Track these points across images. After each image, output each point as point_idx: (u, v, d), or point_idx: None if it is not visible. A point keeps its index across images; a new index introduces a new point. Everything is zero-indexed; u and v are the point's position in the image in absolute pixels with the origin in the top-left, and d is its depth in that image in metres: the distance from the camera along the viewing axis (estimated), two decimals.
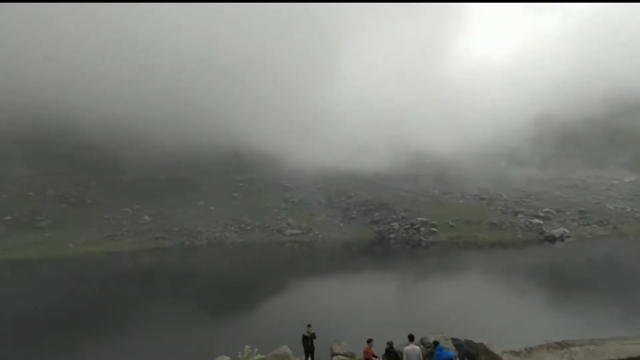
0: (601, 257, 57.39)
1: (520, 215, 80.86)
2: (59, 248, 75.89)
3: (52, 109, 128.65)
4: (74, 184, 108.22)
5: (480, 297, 36.37)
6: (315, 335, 18.07)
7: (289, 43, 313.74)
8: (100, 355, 24.90)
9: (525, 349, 20.70)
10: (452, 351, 15.81)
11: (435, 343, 14.51)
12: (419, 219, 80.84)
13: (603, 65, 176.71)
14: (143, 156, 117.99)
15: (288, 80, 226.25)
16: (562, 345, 20.63)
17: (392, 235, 78.63)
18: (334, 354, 19.54)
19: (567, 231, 72.22)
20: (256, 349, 19.65)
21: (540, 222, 76.79)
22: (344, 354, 19.51)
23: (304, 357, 18.35)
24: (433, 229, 77.16)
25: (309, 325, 18.27)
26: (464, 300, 35.01)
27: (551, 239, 69.66)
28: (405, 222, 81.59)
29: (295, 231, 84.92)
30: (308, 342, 17.93)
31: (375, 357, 15.92)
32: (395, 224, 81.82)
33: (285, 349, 20.40)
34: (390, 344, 15.21)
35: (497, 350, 18.42)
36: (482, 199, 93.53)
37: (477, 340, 18.51)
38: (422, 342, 17.81)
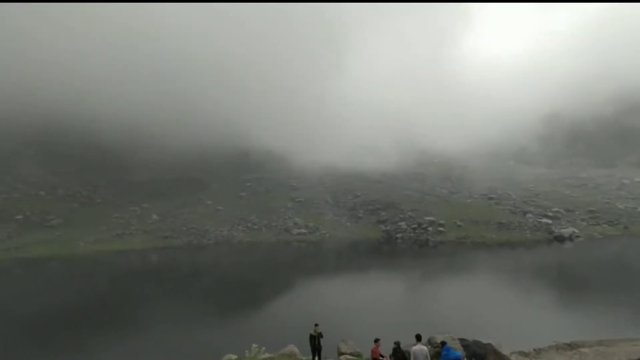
0: (611, 257, 56.70)
1: (529, 215, 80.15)
2: (69, 246, 76.90)
3: (62, 111, 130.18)
4: (83, 184, 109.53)
5: (488, 297, 36.16)
6: (323, 335, 18.10)
7: (297, 43, 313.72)
8: (110, 352, 25.19)
9: (534, 349, 20.61)
10: (460, 351, 15.75)
11: (443, 343, 14.48)
12: (426, 218, 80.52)
13: (612, 63, 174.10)
14: (152, 156, 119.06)
15: (295, 80, 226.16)
16: (571, 346, 20.49)
17: (399, 235, 78.40)
18: (341, 353, 19.58)
19: (576, 231, 71.42)
20: (263, 348, 19.81)
21: (549, 221, 76.03)
22: (351, 354, 19.55)
23: (311, 357, 18.40)
24: (440, 229, 76.80)
25: (316, 325, 18.31)
26: (472, 301, 34.83)
27: (560, 239, 68.94)
28: (413, 221, 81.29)
29: (302, 230, 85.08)
30: (315, 342, 17.96)
31: (382, 356, 15.93)
32: (403, 224, 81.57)
33: (292, 348, 20.50)
34: (397, 344, 15.20)
35: (505, 351, 18.34)
36: (490, 198, 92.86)
37: (485, 341, 18.42)
38: (430, 342, 17.78)
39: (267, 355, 19.49)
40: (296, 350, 20.38)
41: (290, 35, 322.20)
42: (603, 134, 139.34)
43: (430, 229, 77.50)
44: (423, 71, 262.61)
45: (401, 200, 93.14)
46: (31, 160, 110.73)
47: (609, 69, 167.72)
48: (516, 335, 23.38)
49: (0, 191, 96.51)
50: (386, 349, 15.98)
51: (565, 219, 78.51)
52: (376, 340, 16.07)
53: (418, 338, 14.02)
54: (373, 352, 15.95)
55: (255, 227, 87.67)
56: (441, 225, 77.74)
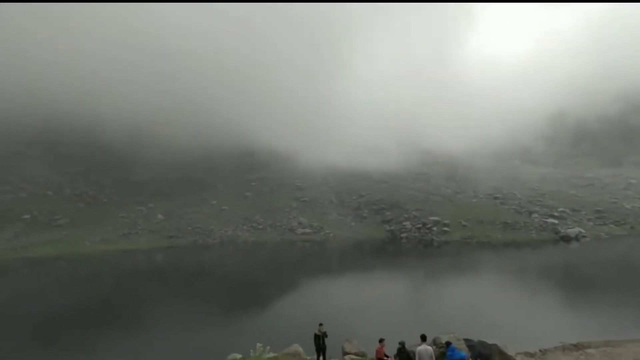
0: (618, 257, 56.26)
1: (534, 215, 79.69)
2: (75, 246, 77.52)
3: (67, 111, 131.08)
4: (90, 184, 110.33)
5: (493, 298, 36.02)
6: (327, 334, 18.11)
7: (301, 43, 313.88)
8: (115, 351, 25.37)
9: (540, 350, 20.52)
10: (465, 352, 15.71)
11: (448, 343, 14.44)
12: (431, 218, 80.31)
13: (617, 62, 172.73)
14: (157, 156, 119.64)
15: (299, 79, 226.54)
16: (577, 347, 20.38)
17: (403, 235, 78.25)
18: (345, 353, 19.60)
19: (583, 231, 70.92)
20: (268, 347, 19.84)
21: (555, 221, 75.56)
22: (355, 353, 19.56)
23: (315, 356, 18.42)
24: (445, 229, 76.56)
25: (320, 324, 18.33)
26: (477, 301, 34.71)
27: (566, 239, 68.50)
28: (417, 221, 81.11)
29: (307, 230, 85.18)
30: (320, 341, 17.98)
31: (387, 356, 15.93)
32: (407, 224, 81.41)
33: (296, 347, 20.55)
34: (402, 344, 15.20)
35: (511, 352, 18.29)
36: (496, 198, 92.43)
37: (490, 341, 18.37)
38: (435, 343, 17.74)
39: (271, 354, 19.53)
40: (300, 349, 20.41)
41: (294, 35, 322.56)
42: (608, 133, 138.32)
43: (435, 228, 77.28)
44: (427, 71, 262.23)
45: (406, 200, 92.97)
46: (38, 160, 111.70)
47: (614, 68, 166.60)
48: (522, 335, 23.29)
49: (8, 191, 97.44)
50: (391, 349, 15.99)
51: (572, 218, 77.99)
52: (381, 340, 16.08)
53: (423, 338, 14.01)
54: (378, 352, 15.96)
55: (260, 226, 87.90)
56: (446, 225, 77.50)
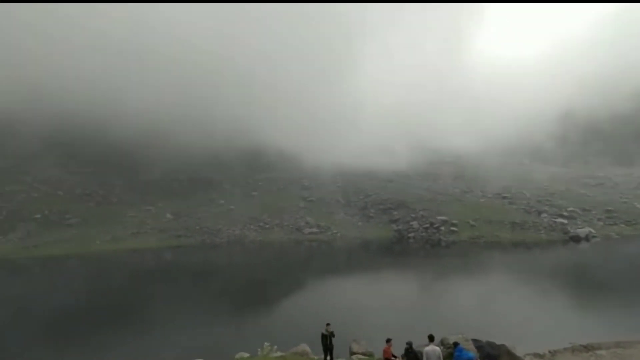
0: (629, 257, 55.40)
1: (543, 215, 78.89)
2: (86, 245, 78.53)
3: (80, 113, 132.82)
4: (100, 184, 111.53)
5: (502, 298, 35.78)
6: (334, 334, 18.17)
7: (308, 43, 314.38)
8: (124, 348, 25.67)
9: (549, 351, 20.36)
10: (473, 352, 15.65)
11: (455, 344, 14.39)
12: (438, 218, 79.88)
13: (629, 60, 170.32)
14: (166, 156, 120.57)
15: (307, 80, 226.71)
16: (587, 348, 20.19)
17: (411, 235, 77.95)
18: (352, 353, 19.65)
19: (593, 231, 70.04)
20: (275, 347, 19.99)
21: (565, 221, 74.73)
22: (362, 353, 19.60)
23: (322, 356, 18.50)
24: (453, 228, 76.10)
25: (328, 324, 18.39)
26: (486, 301, 34.54)
27: (576, 239, 67.69)
28: (425, 221, 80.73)
29: (314, 230, 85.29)
30: (327, 341, 18.04)
31: (394, 357, 15.92)
32: (415, 223, 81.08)
33: (304, 347, 20.65)
34: (409, 344, 15.18)
35: (519, 353, 18.20)
36: (504, 197, 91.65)
37: (499, 342, 18.28)
38: (442, 343, 17.70)
39: (279, 353, 19.66)
40: (308, 349, 20.51)
41: (303, 35, 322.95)
42: (620, 132, 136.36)
43: (442, 228, 76.86)
44: (436, 70, 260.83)
45: (413, 199, 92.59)
46: (50, 161, 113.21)
47: (626, 67, 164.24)
48: (531, 336, 23.14)
49: (20, 191, 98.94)
50: (398, 349, 15.99)
51: (582, 218, 77.07)
52: (388, 340, 16.07)
53: (430, 338, 13.98)
54: (385, 352, 15.96)
55: (267, 226, 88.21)
56: (454, 224, 77.04)
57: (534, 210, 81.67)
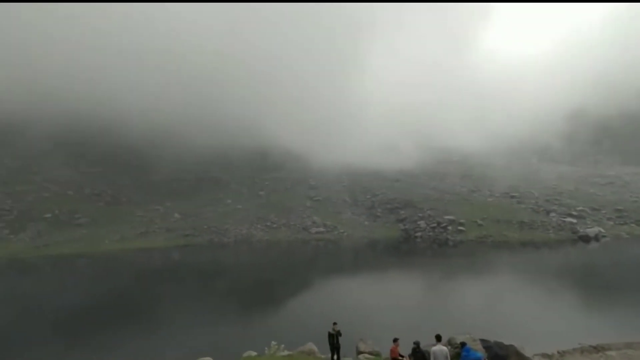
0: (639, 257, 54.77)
1: (552, 214, 78.14)
2: (95, 244, 79.40)
3: (89, 113, 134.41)
4: (109, 184, 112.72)
5: (510, 298, 35.51)
6: (341, 333, 18.19)
7: (315, 43, 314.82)
8: (131, 347, 25.91)
9: (558, 352, 20.18)
10: (481, 352, 15.58)
11: (463, 344, 14.34)
12: (446, 217, 79.47)
13: (639, 58, 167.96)
14: (174, 156, 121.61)
15: (314, 79, 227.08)
16: (597, 348, 20.00)
17: (418, 234, 77.67)
18: (359, 352, 19.65)
19: (602, 230, 69.24)
20: (282, 345, 20.08)
21: (574, 221, 73.96)
22: (369, 353, 19.59)
23: (329, 355, 18.53)
24: (461, 228, 75.67)
25: (334, 323, 18.41)
26: (494, 301, 34.32)
27: (585, 239, 66.94)
28: (432, 220, 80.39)
29: (321, 229, 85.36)
30: (334, 340, 18.07)
31: (401, 356, 15.90)
32: (422, 223, 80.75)
33: (311, 346, 20.71)
34: (417, 344, 15.15)
35: (528, 353, 18.07)
36: (512, 197, 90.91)
37: (507, 342, 18.17)
38: (450, 343, 17.63)
39: (286, 352, 19.75)
40: (315, 348, 20.56)
41: (309, 35, 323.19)
42: (630, 131, 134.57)
43: (450, 228, 76.46)
44: (443, 69, 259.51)
45: (420, 199, 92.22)
46: (60, 161, 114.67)
47: (636, 65, 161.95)
48: (539, 336, 22.94)
49: (31, 190, 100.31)
50: (405, 349, 15.97)
51: (591, 218, 76.22)
52: (395, 340, 16.06)
53: (438, 338, 13.95)
54: (392, 351, 15.95)
55: (274, 225, 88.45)
56: (461, 224, 76.61)
57: (543, 210, 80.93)
